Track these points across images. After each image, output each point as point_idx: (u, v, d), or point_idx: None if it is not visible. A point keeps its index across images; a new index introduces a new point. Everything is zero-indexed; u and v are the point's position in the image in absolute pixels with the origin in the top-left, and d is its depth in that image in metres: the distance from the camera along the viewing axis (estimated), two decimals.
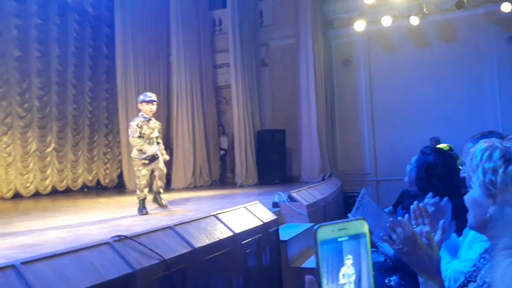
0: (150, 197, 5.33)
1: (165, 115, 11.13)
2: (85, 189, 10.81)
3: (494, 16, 9.53)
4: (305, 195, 6.20)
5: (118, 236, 2.54)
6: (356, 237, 0.68)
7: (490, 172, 1.54)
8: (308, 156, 10.15)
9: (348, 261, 0.67)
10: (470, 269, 1.34)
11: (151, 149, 5.10)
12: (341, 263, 0.66)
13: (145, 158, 5.10)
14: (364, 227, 0.69)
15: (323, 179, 9.81)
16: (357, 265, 0.67)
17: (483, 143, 1.70)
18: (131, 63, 10.47)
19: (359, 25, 10.06)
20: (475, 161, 1.64)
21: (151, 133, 5.18)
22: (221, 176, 11.54)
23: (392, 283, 2.24)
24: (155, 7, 11.11)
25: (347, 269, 0.66)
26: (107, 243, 2.43)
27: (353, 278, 0.67)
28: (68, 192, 10.23)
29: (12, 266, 1.90)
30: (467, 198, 1.47)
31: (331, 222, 0.68)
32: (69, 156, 10.38)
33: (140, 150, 5.08)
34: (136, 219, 4.79)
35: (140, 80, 10.60)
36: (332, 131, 10.82)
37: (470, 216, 1.31)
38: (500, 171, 1.53)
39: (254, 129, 10.63)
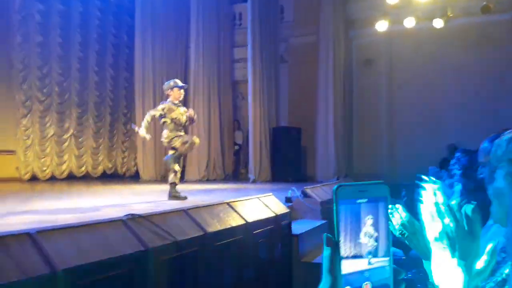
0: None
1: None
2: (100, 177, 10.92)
3: None
4: (319, 192, 6.15)
5: (132, 214, 2.54)
6: (376, 200, 0.66)
7: None
8: (324, 155, 10.08)
9: (369, 221, 0.65)
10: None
11: (140, 130, 4.94)
12: (361, 223, 0.64)
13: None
14: (385, 190, 0.67)
15: (337, 180, 9.73)
16: (376, 227, 0.65)
17: (508, 134, 1.65)
18: (150, 53, 10.55)
19: (382, 26, 9.93)
20: (499, 151, 1.60)
21: (181, 118, 5.10)
22: (234, 171, 11.54)
23: (408, 275, 2.19)
24: None
25: (369, 229, 0.64)
26: (121, 220, 2.43)
27: (374, 239, 0.65)
28: (85, 178, 10.35)
29: (28, 235, 1.91)
30: (490, 190, 1.45)
31: (351, 183, 0.66)
32: (90, 143, 10.51)
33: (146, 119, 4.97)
34: (151, 206, 4.80)
35: (157, 70, 10.67)
36: (349, 131, 10.71)
37: (493, 209, 1.28)
38: None
39: (269, 126, 10.60)
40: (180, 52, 11.46)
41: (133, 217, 2.51)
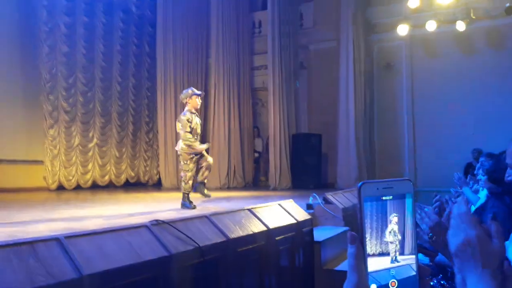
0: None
1: (201, 115, 11.29)
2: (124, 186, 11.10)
3: None
4: (341, 199, 6.09)
5: (156, 220, 2.58)
6: (401, 197, 0.66)
7: None
8: (345, 162, 9.99)
9: (394, 218, 0.65)
10: None
11: (201, 146, 5.16)
12: (386, 221, 0.64)
13: (194, 154, 5.15)
14: (410, 187, 0.67)
15: None
16: (401, 225, 0.65)
17: None
18: (171, 62, 10.73)
19: (403, 30, 9.83)
20: None
21: (198, 127, 5.22)
22: (254, 178, 11.56)
23: (433, 282, 2.15)
24: (196, 8, 11.33)
25: (394, 227, 0.64)
26: (145, 226, 2.47)
27: (399, 237, 0.64)
28: (108, 187, 10.54)
29: (57, 239, 1.97)
30: None
31: (376, 180, 0.66)
32: (113, 152, 10.70)
33: (190, 146, 5.09)
34: (173, 213, 4.85)
35: (178, 79, 10.83)
36: (370, 137, 10.59)
37: None
38: None
39: (289, 133, 10.59)
40: (201, 61, 11.61)
41: (157, 223, 2.55)
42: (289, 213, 4.21)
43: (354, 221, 6.28)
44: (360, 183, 0.65)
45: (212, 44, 11.01)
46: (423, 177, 10.05)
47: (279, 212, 4.06)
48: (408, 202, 0.67)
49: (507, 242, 1.93)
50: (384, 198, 0.66)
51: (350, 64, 10.03)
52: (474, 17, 9.49)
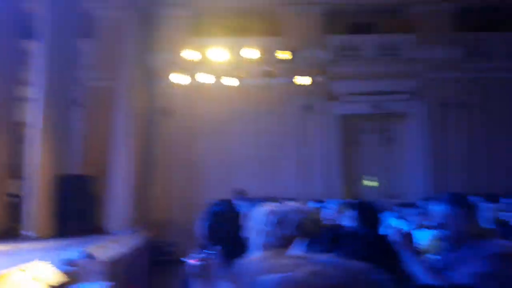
0: None
1: None
2: None
3: (295, 86, 10.99)
4: (106, 250, 5.69)
5: None
6: None
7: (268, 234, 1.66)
8: (119, 205, 9.56)
9: None
10: None
11: None
12: None
13: None
14: None
15: (132, 231, 9.29)
16: None
17: (264, 208, 1.81)
18: None
19: (180, 79, 10.32)
20: (256, 224, 1.77)
21: None
22: (9, 226, 9.79)
23: None
24: None
25: None
26: None
27: None
28: None
29: None
30: None
31: None
32: None
33: None
34: None
35: None
36: (146, 180, 10.52)
37: None
38: (276, 233, 1.66)
39: (56, 173, 9.49)
40: None
41: None
42: (37, 279, 3.62)
43: (120, 274, 5.94)
44: None
45: None
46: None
47: (21, 281, 3.44)
48: None
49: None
50: None
51: (128, 107, 9.86)
52: (242, 76, 10.71)
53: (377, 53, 11.65)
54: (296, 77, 10.67)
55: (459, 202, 2.33)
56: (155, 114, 11.01)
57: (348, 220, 2.99)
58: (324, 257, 0.59)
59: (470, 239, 2.22)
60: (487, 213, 5.52)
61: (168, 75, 10.67)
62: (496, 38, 11.86)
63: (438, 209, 2.36)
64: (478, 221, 2.56)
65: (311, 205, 6.55)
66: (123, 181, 9.65)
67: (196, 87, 10.79)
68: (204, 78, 10.32)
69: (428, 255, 4.17)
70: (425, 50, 11.37)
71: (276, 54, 10.56)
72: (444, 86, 11.31)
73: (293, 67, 10.92)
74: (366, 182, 11.76)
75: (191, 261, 1.86)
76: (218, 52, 9.77)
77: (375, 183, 11.71)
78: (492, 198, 7.71)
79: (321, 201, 6.87)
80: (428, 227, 3.47)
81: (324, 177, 10.96)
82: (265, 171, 10.72)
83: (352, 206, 3.15)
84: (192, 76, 10.53)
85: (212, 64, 10.35)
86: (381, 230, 3.05)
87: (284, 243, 1.60)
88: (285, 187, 10.21)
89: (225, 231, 2.42)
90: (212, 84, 10.54)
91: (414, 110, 11.47)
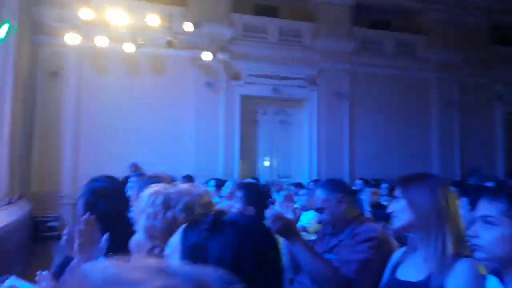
0: None
1: None
2: None
3: (198, 61, 10.77)
4: None
5: None
6: None
7: (151, 217, 1.58)
8: None
9: None
10: None
11: None
12: None
13: None
14: None
15: (9, 202, 8.40)
16: None
17: (151, 189, 1.71)
18: None
19: (72, 39, 9.40)
20: (141, 205, 1.68)
21: None
22: None
23: None
24: None
25: None
26: None
27: None
28: None
29: None
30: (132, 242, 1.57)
31: None
32: None
33: None
34: None
35: None
36: (28, 148, 9.53)
37: None
38: (160, 216, 1.59)
39: None
40: None
41: None
42: None
43: None
44: None
45: None
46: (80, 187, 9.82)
47: None
48: None
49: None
50: None
51: (8, 64, 8.72)
52: (141, 42, 10.12)
53: (280, 38, 11.92)
54: (200, 52, 10.46)
55: (335, 187, 2.46)
56: (40, 75, 9.94)
57: (238, 201, 3.03)
58: (184, 268, 0.55)
59: (347, 223, 2.39)
60: (367, 196, 6.08)
61: (59, 33, 9.66)
62: (388, 36, 12.90)
63: (317, 194, 2.50)
64: (356, 205, 2.75)
65: (212, 184, 6.55)
66: (1, 147, 8.61)
67: (90, 49, 9.94)
68: (100, 40, 9.54)
69: (305, 234, 4.46)
70: (323, 41, 11.95)
71: (179, 25, 10.19)
72: (337, 77, 12.08)
73: (196, 41, 10.68)
74: (263, 162, 12.16)
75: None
76: (117, 14, 9.06)
77: (270, 163, 12.18)
78: (374, 183, 8.53)
79: (222, 180, 6.91)
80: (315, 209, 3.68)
81: (225, 156, 11.05)
82: (165, 146, 10.40)
83: (239, 187, 3.20)
84: (86, 37, 9.65)
85: (110, 27, 9.59)
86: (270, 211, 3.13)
87: (168, 226, 1.53)
88: (186, 164, 10.05)
89: (106, 209, 2.31)
90: (109, 48, 9.81)
91: (309, 97, 12.06)
